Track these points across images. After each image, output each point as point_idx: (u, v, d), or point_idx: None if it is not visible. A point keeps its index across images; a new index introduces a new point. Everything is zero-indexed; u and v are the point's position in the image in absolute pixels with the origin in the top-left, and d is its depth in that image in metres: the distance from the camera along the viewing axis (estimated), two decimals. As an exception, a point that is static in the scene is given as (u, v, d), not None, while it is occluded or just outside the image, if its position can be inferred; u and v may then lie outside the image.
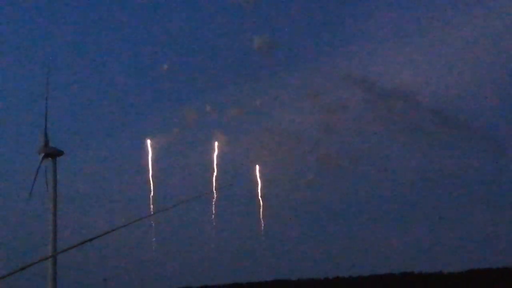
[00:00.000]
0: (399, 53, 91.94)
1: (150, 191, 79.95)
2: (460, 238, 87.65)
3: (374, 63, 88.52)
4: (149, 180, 79.07)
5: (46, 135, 75.88)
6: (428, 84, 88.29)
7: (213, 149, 77.75)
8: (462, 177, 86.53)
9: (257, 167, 79.24)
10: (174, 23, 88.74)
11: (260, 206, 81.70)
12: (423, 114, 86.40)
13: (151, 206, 75.43)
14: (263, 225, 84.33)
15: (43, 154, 75.16)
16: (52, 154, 76.18)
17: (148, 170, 78.91)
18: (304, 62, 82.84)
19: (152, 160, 78.65)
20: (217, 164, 78.38)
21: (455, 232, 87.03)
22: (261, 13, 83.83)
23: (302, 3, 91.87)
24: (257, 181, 79.47)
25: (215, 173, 76.98)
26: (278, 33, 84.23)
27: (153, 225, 74.37)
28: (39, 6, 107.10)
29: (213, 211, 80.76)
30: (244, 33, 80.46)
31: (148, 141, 78.95)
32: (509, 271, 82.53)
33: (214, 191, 76.89)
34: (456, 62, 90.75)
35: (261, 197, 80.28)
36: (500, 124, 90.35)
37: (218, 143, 77.19)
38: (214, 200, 77.09)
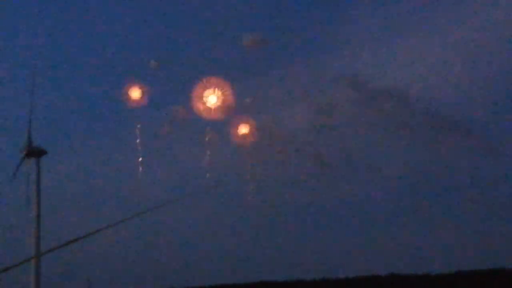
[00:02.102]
0: (390, 52, 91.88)
1: (139, 191, 79.92)
2: (448, 239, 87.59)
3: (365, 62, 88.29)
4: (138, 179, 78.94)
5: (29, 134, 75.62)
6: (419, 84, 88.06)
7: (204, 148, 77.78)
8: (454, 178, 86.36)
9: (248, 167, 79.20)
10: (161, 17, 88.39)
11: (250, 206, 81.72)
12: (414, 114, 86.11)
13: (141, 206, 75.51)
14: (252, 224, 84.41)
15: (25, 153, 74.88)
16: (36, 153, 75.84)
17: (137, 169, 78.80)
18: (295, 61, 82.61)
19: (141, 159, 78.54)
20: (207, 163, 78.35)
21: (444, 232, 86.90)
22: (251, 9, 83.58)
23: (293, 1, 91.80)
24: (248, 181, 79.52)
25: (208, 174, 76.94)
26: (269, 30, 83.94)
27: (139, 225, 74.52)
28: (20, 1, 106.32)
29: (202, 211, 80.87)
30: (233, 29, 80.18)
31: (138, 139, 78.79)
32: (497, 272, 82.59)
33: (203, 191, 76.95)
34: (448, 61, 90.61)
35: (251, 196, 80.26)
36: (493, 124, 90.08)
37: (209, 141, 77.14)
38: (203, 199, 77.23)
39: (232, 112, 79.85)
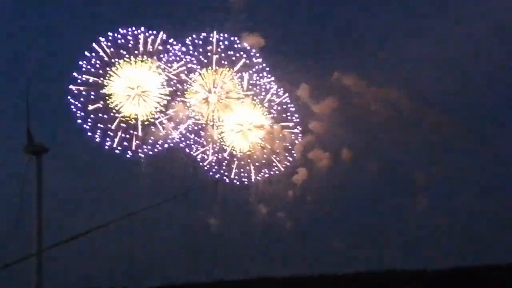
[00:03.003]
0: (398, 50, 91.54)
1: (140, 187, 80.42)
2: (444, 235, 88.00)
3: (372, 61, 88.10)
4: (139, 175, 79.36)
5: (29, 132, 75.79)
6: (431, 81, 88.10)
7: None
8: (454, 175, 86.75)
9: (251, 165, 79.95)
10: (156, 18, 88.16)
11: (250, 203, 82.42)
12: (415, 111, 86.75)
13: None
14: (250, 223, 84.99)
15: (29, 154, 75.15)
16: (37, 151, 76.13)
17: (138, 164, 79.26)
18: (296, 61, 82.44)
19: (142, 155, 78.99)
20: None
21: (440, 228, 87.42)
22: (251, 10, 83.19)
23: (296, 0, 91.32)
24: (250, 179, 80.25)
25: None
26: (270, 31, 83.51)
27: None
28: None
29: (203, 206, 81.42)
30: (232, 30, 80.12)
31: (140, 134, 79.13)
32: (493, 268, 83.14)
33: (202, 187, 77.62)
34: (452, 58, 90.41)
35: (252, 195, 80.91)
36: (489, 121, 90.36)
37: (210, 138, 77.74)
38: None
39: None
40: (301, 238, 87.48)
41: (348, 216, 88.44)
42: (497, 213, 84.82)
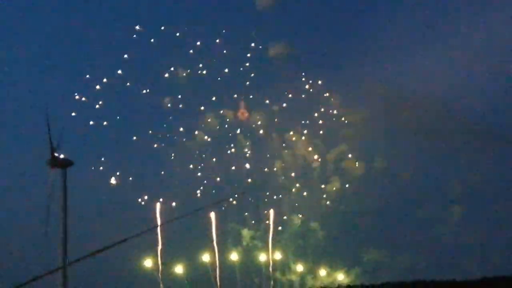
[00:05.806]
0: (421, 59, 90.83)
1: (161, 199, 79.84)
2: (474, 245, 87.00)
3: (394, 70, 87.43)
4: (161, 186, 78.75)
5: (53, 145, 74.71)
6: (450, 90, 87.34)
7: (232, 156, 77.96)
8: (490, 184, 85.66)
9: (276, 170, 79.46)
10: (182, 25, 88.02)
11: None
12: (447, 120, 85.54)
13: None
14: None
15: (51, 168, 73.94)
16: (62, 164, 75.00)
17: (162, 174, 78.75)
18: (322, 70, 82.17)
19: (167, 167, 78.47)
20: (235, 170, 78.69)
21: (475, 238, 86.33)
22: (278, 18, 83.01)
23: (321, 10, 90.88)
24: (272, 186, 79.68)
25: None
26: (295, 40, 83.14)
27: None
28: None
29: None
30: (259, 39, 79.85)
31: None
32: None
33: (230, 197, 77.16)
34: (482, 64, 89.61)
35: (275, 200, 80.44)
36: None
37: (238, 148, 77.15)
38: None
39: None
40: (333, 248, 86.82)
41: (381, 226, 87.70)
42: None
